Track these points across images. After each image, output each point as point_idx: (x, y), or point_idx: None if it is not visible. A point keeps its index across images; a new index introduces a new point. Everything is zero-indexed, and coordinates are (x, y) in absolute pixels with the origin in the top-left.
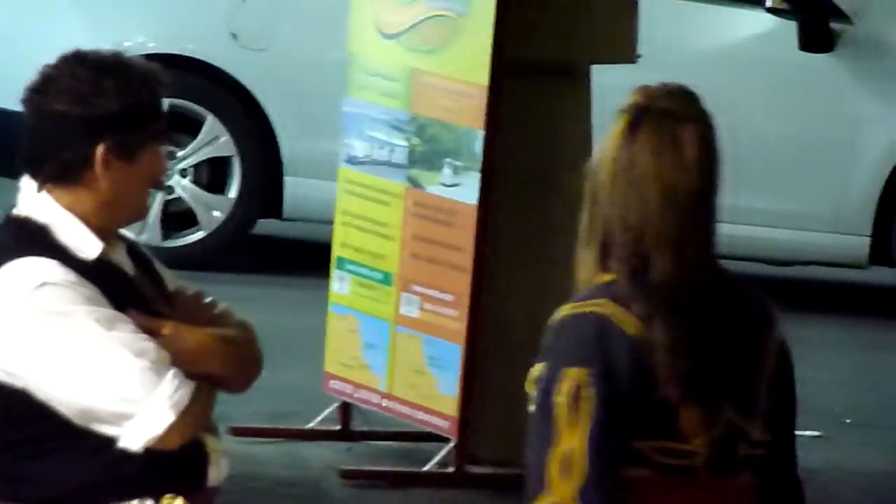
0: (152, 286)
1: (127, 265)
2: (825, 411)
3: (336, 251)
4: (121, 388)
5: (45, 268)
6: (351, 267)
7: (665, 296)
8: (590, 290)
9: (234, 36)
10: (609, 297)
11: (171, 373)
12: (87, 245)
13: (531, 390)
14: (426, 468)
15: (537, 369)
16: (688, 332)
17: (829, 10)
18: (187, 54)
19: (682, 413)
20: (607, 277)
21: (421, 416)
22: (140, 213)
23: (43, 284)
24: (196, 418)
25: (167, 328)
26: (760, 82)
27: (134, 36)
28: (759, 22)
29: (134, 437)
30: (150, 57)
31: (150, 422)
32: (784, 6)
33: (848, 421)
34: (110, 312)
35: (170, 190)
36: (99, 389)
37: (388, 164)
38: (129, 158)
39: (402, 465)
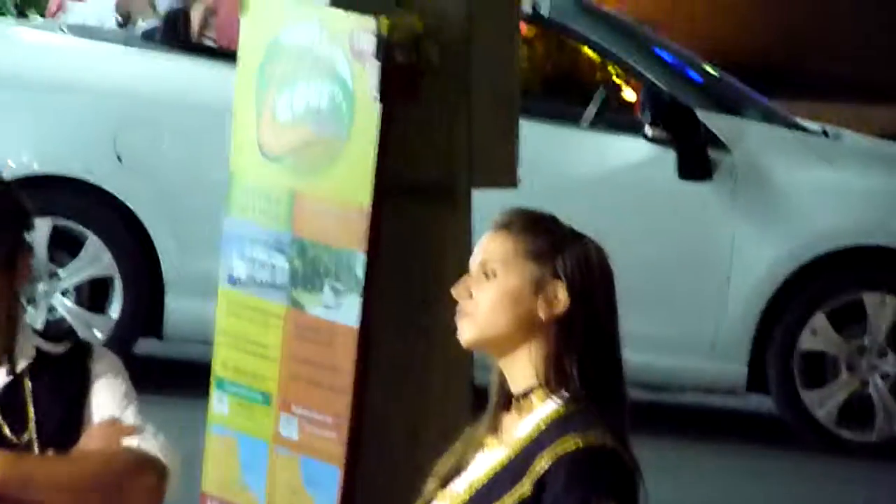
0: (23, 412)
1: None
2: None
3: (216, 371)
4: None
5: None
6: (230, 387)
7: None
8: (576, 422)
9: (119, 157)
10: (604, 429)
11: None
12: None
13: None
14: None
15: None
16: None
17: (707, 139)
18: (72, 175)
19: None
20: (571, 407)
21: None
22: None
23: None
24: None
25: None
26: (639, 209)
27: (17, 155)
28: (638, 149)
29: None
30: (34, 177)
31: None
32: (663, 135)
33: None
34: None
35: (52, 309)
36: None
37: (270, 285)
38: None
39: None
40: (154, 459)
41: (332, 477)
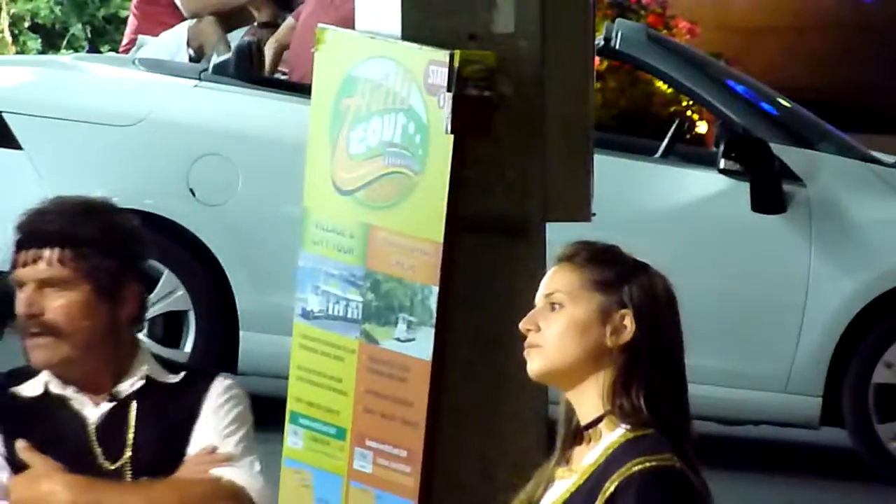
0: (122, 438)
1: (94, 411)
2: None
3: (290, 406)
4: None
5: None
6: (305, 421)
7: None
8: (645, 444)
9: (192, 191)
10: (672, 452)
11: None
12: (33, 384)
13: None
14: None
15: None
16: None
17: (782, 172)
18: (145, 209)
19: None
20: (639, 432)
21: None
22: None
23: None
24: None
25: (35, 466)
26: (713, 242)
27: (92, 191)
28: (711, 182)
29: None
30: None
31: None
32: (736, 167)
33: None
34: None
35: None
36: None
37: (343, 319)
38: None
39: None
40: (238, 490)
41: None
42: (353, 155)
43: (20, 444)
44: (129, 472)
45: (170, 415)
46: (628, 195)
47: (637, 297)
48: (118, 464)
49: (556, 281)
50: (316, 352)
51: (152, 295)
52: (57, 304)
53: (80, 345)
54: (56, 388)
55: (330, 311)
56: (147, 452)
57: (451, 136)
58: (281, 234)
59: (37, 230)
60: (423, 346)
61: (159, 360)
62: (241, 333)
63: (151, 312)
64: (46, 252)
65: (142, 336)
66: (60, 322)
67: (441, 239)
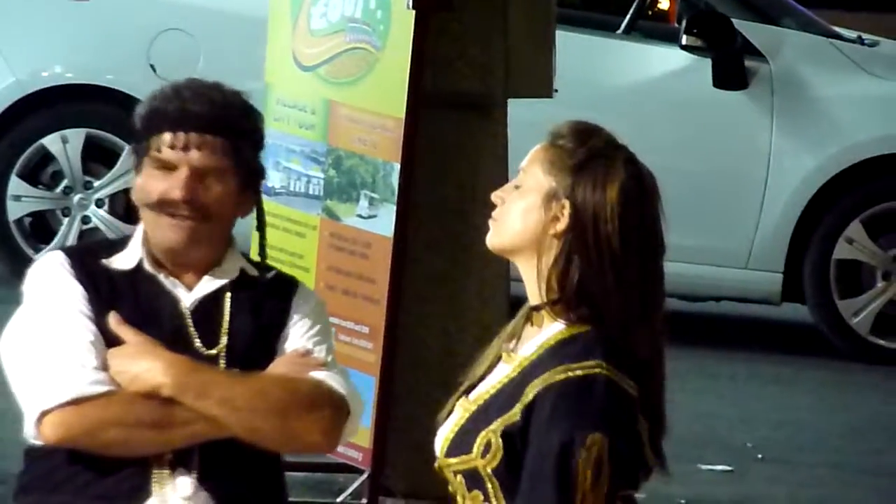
0: (217, 325)
1: (188, 295)
2: (736, 446)
3: None
4: (20, 368)
5: (49, 256)
6: None
7: (646, 360)
8: (575, 348)
9: (153, 67)
10: (601, 357)
11: (80, 373)
12: (126, 257)
13: (494, 451)
14: (339, 500)
15: (546, 435)
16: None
17: (744, 48)
18: (105, 85)
19: (645, 470)
20: (575, 330)
21: None
22: (157, 239)
23: (34, 266)
24: (88, 422)
25: (131, 342)
26: (675, 119)
27: (52, 66)
28: (673, 59)
29: (26, 422)
30: (68, 87)
31: (29, 408)
32: (698, 43)
33: (760, 456)
34: (65, 307)
35: (86, 220)
36: (12, 364)
37: (305, 195)
38: (138, 171)
39: (314, 496)
40: (338, 396)
41: (368, 388)
42: (313, 30)
43: (113, 318)
44: (224, 360)
45: (263, 310)
46: (590, 72)
47: (582, 191)
48: (214, 350)
49: (530, 158)
50: (277, 228)
51: (112, 171)
52: (214, 192)
53: (217, 233)
54: (150, 266)
55: (291, 188)
56: (242, 343)
57: (413, 12)
58: None
59: (198, 115)
60: (385, 222)
61: (245, 256)
62: None
63: (112, 189)
64: (209, 138)
65: (104, 213)
66: (215, 208)
67: (403, 115)
